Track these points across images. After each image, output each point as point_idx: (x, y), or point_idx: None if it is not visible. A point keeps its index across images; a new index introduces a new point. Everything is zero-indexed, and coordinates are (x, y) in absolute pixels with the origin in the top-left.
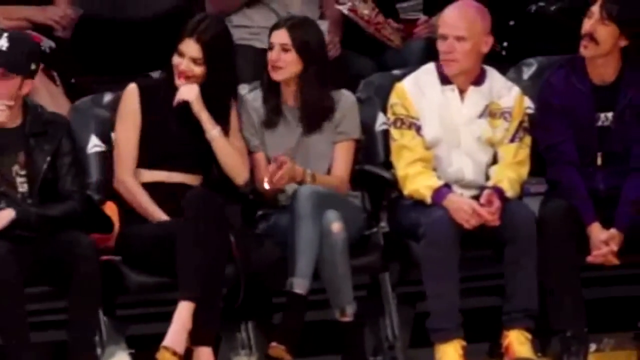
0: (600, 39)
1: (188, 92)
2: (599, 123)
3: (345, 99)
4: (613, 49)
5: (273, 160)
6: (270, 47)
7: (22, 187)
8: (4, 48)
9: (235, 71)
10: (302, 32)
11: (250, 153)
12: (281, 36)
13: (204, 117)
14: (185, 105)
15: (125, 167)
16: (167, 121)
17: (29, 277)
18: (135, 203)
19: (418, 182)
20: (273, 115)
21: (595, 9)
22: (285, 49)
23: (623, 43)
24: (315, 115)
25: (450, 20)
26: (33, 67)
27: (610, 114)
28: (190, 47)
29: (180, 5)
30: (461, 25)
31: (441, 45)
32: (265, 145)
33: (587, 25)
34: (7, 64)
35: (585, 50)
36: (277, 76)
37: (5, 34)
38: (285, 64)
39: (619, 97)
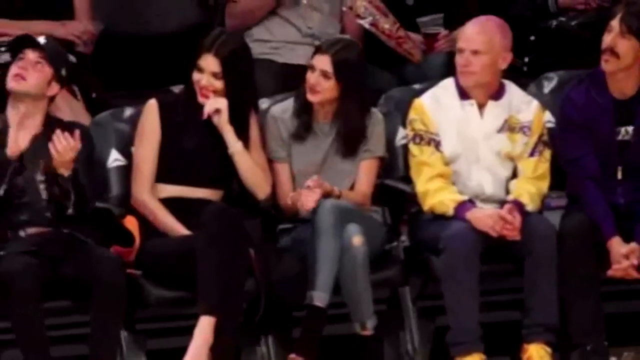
0: (621, 52)
1: (218, 103)
2: (619, 137)
3: (374, 117)
4: (634, 62)
5: (306, 187)
6: (311, 69)
7: (44, 194)
8: (41, 41)
9: (254, 85)
10: (345, 60)
11: (274, 163)
12: (324, 62)
13: (227, 131)
14: (207, 120)
15: (143, 185)
16: (188, 136)
17: (51, 292)
18: (154, 220)
19: (441, 196)
20: (303, 131)
21: (615, 23)
22: (326, 76)
23: None
24: (353, 142)
25: (469, 34)
26: (64, 72)
27: (630, 128)
28: (209, 62)
29: (201, 20)
30: (478, 39)
31: (458, 59)
32: (291, 157)
33: (607, 39)
34: (44, 52)
35: (607, 64)
36: (314, 98)
37: (43, 36)
38: (324, 90)
39: (639, 111)
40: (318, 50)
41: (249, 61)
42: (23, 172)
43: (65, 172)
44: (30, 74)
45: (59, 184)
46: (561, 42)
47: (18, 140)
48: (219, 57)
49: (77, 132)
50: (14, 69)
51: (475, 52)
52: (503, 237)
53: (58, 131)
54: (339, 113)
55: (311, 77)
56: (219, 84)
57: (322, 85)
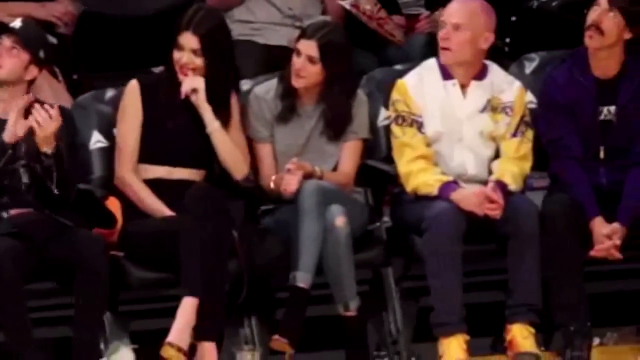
0: (605, 29)
1: (195, 82)
2: (602, 117)
3: (358, 99)
4: (617, 41)
5: (286, 170)
6: (296, 53)
7: (25, 177)
8: (17, 26)
9: (234, 62)
10: (331, 45)
11: (257, 143)
12: (309, 47)
13: (204, 110)
14: (188, 99)
15: (126, 164)
16: (169, 117)
17: (35, 274)
18: (136, 199)
19: (424, 176)
20: (287, 113)
21: (602, 0)
22: (312, 61)
23: (627, 36)
24: (338, 125)
25: (451, 8)
26: (42, 54)
27: (612, 108)
28: (189, 40)
29: (183, 1)
30: (460, 14)
31: (440, 32)
32: (274, 138)
33: (593, 15)
34: (17, 37)
35: (591, 40)
36: (298, 84)
37: (19, 19)
38: (309, 74)
39: (621, 91)
40: (303, 34)
41: (227, 37)
42: (18, 160)
43: (47, 149)
44: (4, 61)
45: (41, 162)
46: (542, 23)
47: (17, 128)
48: (198, 34)
49: (56, 107)
50: None
51: (456, 27)
52: (487, 216)
53: (37, 104)
54: (323, 96)
55: (297, 62)
56: (199, 61)
57: (307, 70)
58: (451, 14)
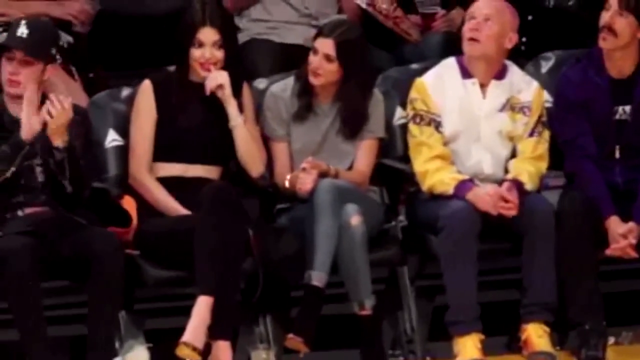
0: (618, 30)
1: (220, 77)
2: (617, 116)
3: (375, 97)
4: (631, 40)
5: (301, 169)
6: (313, 52)
7: (41, 176)
8: (24, 35)
9: (241, 54)
10: (348, 43)
11: (273, 141)
12: (327, 46)
13: (231, 104)
14: (204, 96)
15: (140, 164)
16: (184, 115)
17: (49, 272)
18: (151, 198)
19: (440, 175)
20: (304, 111)
21: (613, 0)
22: (328, 59)
23: None
24: (355, 124)
25: (481, 2)
26: (54, 51)
27: (628, 107)
28: (208, 34)
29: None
30: (490, 8)
31: (468, 24)
32: (290, 136)
33: (605, 17)
34: (29, 50)
35: (604, 42)
36: (316, 81)
37: (23, 21)
38: (326, 73)
39: (636, 90)
40: (320, 33)
41: (235, 28)
42: (35, 157)
43: (59, 142)
44: (23, 76)
45: (53, 157)
46: (559, 22)
47: (33, 123)
48: (215, 27)
49: (69, 98)
50: (5, 74)
51: (487, 19)
52: (501, 215)
53: (51, 95)
54: (340, 95)
55: (313, 60)
56: (220, 54)
57: (324, 68)
58: (481, 7)
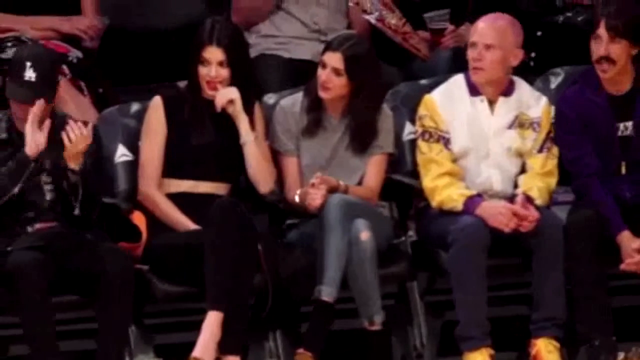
0: (615, 57)
1: (230, 93)
2: (619, 133)
3: (384, 113)
4: (627, 61)
5: (310, 185)
6: (322, 66)
7: (49, 195)
8: (32, 79)
9: (254, 72)
10: (356, 57)
11: (283, 156)
12: (335, 60)
13: (242, 120)
14: (214, 113)
15: (149, 180)
16: (194, 131)
17: (58, 287)
18: (160, 214)
19: (449, 191)
20: (313, 125)
21: (602, 31)
22: (337, 73)
23: (635, 52)
24: (364, 138)
25: (481, 28)
26: (59, 79)
27: (629, 124)
28: (214, 53)
29: (207, 16)
30: (491, 34)
31: (471, 53)
32: (299, 151)
33: (599, 49)
34: (40, 94)
35: (605, 73)
36: (325, 95)
37: (29, 63)
38: (335, 87)
39: (637, 106)
40: (329, 47)
41: (246, 47)
42: (42, 173)
43: (75, 165)
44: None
45: (67, 179)
46: (568, 38)
47: (37, 140)
48: (222, 46)
49: (90, 125)
50: (16, 111)
51: (488, 47)
52: (515, 231)
53: (71, 121)
54: (349, 109)
55: (322, 74)
56: (225, 73)
57: (333, 82)
58: (482, 35)
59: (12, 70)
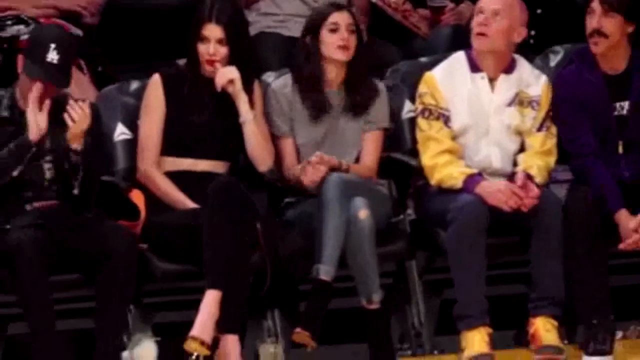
0: (608, 32)
1: (230, 72)
2: (616, 112)
3: (378, 88)
4: (621, 37)
5: (307, 162)
6: (334, 29)
7: (49, 173)
8: (54, 61)
9: (255, 51)
10: (355, 15)
11: (278, 138)
12: (347, 18)
13: (241, 99)
14: (214, 92)
15: (148, 158)
16: (193, 109)
17: (58, 266)
18: (159, 192)
19: (449, 169)
20: (319, 111)
21: (595, 4)
22: (351, 31)
23: (630, 29)
24: (365, 100)
25: None
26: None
27: (625, 103)
28: (213, 31)
29: None
30: (499, 3)
31: (477, 18)
32: (294, 130)
33: (592, 22)
34: (57, 81)
35: (597, 47)
36: (344, 57)
37: (52, 45)
38: (352, 46)
39: (632, 85)
40: (337, 8)
41: (247, 25)
42: (44, 156)
43: (77, 145)
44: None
45: (69, 159)
46: (568, 15)
47: (39, 123)
48: (221, 24)
49: (88, 103)
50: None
51: (495, 13)
52: (515, 210)
53: (72, 101)
54: (345, 82)
55: (342, 34)
56: (224, 51)
57: (351, 41)
58: (490, 2)
59: (33, 51)
